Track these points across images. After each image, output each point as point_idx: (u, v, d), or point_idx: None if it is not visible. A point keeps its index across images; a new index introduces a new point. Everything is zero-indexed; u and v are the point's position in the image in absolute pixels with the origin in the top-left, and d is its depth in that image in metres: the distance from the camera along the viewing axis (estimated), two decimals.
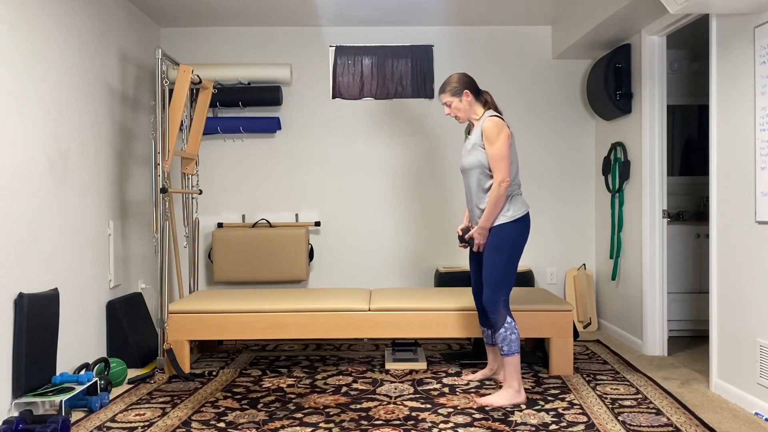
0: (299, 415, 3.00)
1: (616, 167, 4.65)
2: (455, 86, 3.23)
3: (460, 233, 3.36)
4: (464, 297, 3.91)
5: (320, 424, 2.87)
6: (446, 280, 4.84)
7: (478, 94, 3.28)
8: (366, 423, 2.89)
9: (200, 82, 4.28)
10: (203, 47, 5.09)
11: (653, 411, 3.02)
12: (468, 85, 3.24)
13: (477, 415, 2.97)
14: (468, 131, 3.37)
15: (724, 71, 3.27)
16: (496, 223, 3.15)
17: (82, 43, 3.68)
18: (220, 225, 5.09)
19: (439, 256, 5.14)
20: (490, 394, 3.29)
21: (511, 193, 3.17)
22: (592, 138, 5.16)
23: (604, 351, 4.25)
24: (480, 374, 3.58)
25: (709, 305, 3.41)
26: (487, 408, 3.08)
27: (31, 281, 3.08)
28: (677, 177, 5.27)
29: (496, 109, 3.27)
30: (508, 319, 3.15)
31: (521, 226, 3.17)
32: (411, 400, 3.22)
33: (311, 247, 5.08)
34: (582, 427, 2.82)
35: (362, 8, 4.62)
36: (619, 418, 2.93)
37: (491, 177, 3.15)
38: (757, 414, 2.98)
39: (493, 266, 3.14)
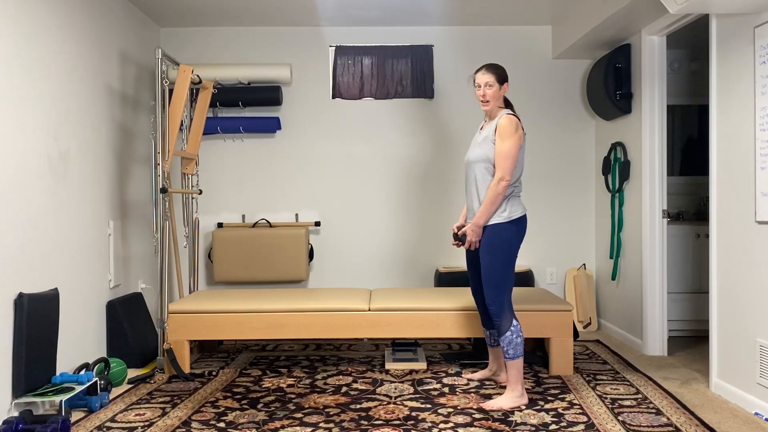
0: (299, 415, 3.00)
1: (616, 167, 4.65)
2: (503, 74, 3.23)
3: (455, 230, 3.34)
4: (464, 297, 3.91)
5: (320, 424, 2.87)
6: (446, 280, 4.84)
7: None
8: (366, 423, 2.89)
9: (200, 82, 4.28)
10: (203, 47, 5.09)
11: (653, 411, 3.02)
12: (508, 79, 3.27)
13: (477, 415, 2.97)
14: (481, 127, 3.36)
15: (724, 71, 3.27)
16: (491, 223, 3.13)
17: (82, 43, 3.68)
18: (220, 225, 5.09)
19: (439, 256, 5.14)
20: (490, 395, 3.29)
21: (510, 194, 3.15)
22: (592, 138, 5.16)
23: (604, 351, 4.25)
24: (480, 374, 3.58)
25: (709, 305, 3.41)
26: (488, 408, 3.08)
27: (31, 281, 3.08)
28: (677, 177, 5.27)
29: (514, 112, 3.27)
30: (514, 321, 3.13)
31: (517, 227, 3.15)
32: (411, 400, 3.22)
33: (311, 247, 5.08)
34: (582, 427, 2.82)
35: (362, 8, 4.62)
36: (619, 418, 2.93)
37: (494, 174, 3.14)
38: (757, 414, 2.98)
39: (492, 268, 3.13)
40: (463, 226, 3.31)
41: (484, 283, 3.16)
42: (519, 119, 3.17)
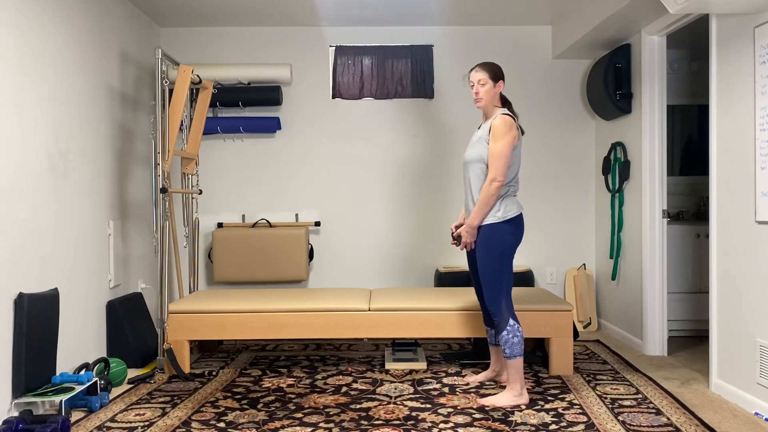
0: (299, 415, 3.00)
1: (616, 167, 4.65)
2: (497, 71, 3.22)
3: (453, 230, 3.34)
4: (464, 297, 3.91)
5: (320, 424, 2.87)
6: (446, 280, 4.84)
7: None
8: (366, 423, 2.89)
9: (200, 82, 4.28)
10: (203, 47, 5.09)
11: (653, 411, 3.02)
12: (503, 78, 3.25)
13: (477, 415, 2.97)
14: (479, 126, 3.36)
15: (724, 71, 3.27)
16: (485, 223, 3.13)
17: (82, 43, 3.68)
18: (220, 225, 5.09)
19: (439, 256, 5.14)
20: (491, 394, 3.29)
21: (505, 194, 3.15)
22: (592, 138, 5.16)
23: (604, 351, 4.25)
24: (482, 376, 3.57)
25: (709, 305, 3.41)
26: (487, 408, 3.08)
27: (31, 281, 3.08)
28: (677, 177, 5.27)
29: (511, 111, 3.27)
30: (511, 321, 3.12)
31: (512, 227, 3.14)
32: (411, 400, 3.22)
33: (311, 247, 5.08)
34: (582, 427, 2.82)
35: (362, 8, 4.62)
36: (619, 418, 2.93)
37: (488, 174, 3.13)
38: (757, 414, 2.98)
39: (486, 267, 3.13)
40: (461, 225, 3.31)
41: (482, 283, 3.16)
42: (515, 118, 3.17)
